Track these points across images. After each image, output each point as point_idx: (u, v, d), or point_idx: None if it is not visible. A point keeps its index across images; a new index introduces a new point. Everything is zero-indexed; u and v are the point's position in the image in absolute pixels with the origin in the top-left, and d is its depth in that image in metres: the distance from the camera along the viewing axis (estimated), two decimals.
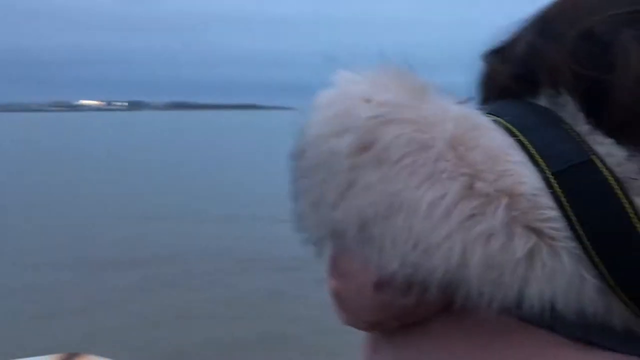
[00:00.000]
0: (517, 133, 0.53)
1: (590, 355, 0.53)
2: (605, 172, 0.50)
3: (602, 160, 0.50)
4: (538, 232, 0.50)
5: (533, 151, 0.52)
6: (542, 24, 0.59)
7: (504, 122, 0.54)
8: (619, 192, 0.50)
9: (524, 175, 0.50)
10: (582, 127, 0.53)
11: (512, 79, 0.59)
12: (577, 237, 0.49)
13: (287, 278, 8.65)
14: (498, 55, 0.61)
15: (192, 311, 7.70)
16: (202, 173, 22.25)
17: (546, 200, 0.50)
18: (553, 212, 0.50)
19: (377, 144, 0.52)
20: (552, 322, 0.52)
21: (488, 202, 0.50)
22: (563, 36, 0.56)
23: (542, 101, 0.55)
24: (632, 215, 0.49)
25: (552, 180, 0.50)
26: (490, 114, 0.56)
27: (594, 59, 0.54)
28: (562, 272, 0.50)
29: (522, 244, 0.49)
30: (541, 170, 0.50)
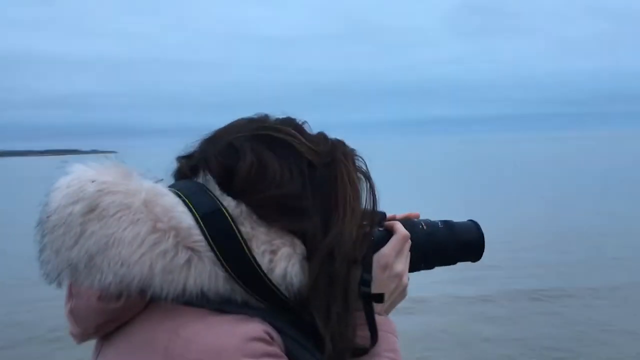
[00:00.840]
0: (182, 195, 0.88)
1: (220, 317, 0.85)
2: (227, 215, 0.87)
3: (226, 209, 0.87)
4: (192, 249, 0.84)
5: (190, 205, 0.87)
6: (211, 138, 0.97)
7: (176, 190, 0.90)
8: (232, 225, 0.86)
9: (184, 218, 0.85)
10: (217, 192, 0.90)
11: (189, 169, 0.94)
12: (213, 250, 0.85)
13: None
14: (186, 158, 0.97)
15: None
16: None
17: (196, 231, 0.85)
18: (200, 237, 0.85)
19: (99, 207, 0.83)
20: (202, 301, 0.85)
21: (164, 234, 0.83)
22: (217, 144, 0.93)
23: (200, 179, 0.92)
24: (239, 237, 0.86)
25: (199, 220, 0.86)
26: (170, 186, 0.91)
27: (229, 156, 0.91)
28: (205, 271, 0.85)
29: (183, 256, 0.84)
30: (194, 215, 0.86)
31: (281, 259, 0.88)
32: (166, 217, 0.85)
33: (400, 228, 1.09)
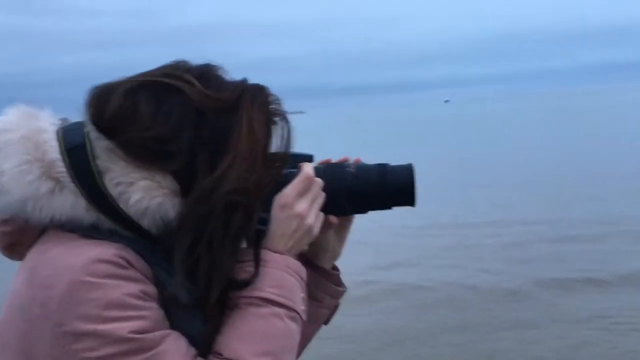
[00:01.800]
0: (60, 132, 0.98)
1: (83, 241, 0.94)
2: (87, 150, 0.95)
3: (90, 145, 0.96)
4: (56, 180, 0.94)
5: (61, 140, 0.96)
6: (115, 83, 1.02)
7: (58, 129, 0.99)
8: (89, 158, 0.94)
9: (51, 152, 0.95)
10: (90, 129, 0.97)
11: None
12: (73, 181, 0.94)
13: None
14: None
15: None
16: None
17: (60, 163, 0.94)
18: (63, 169, 0.94)
19: None
20: (74, 228, 0.95)
21: (31, 165, 0.94)
22: (112, 89, 1.00)
23: (87, 126, 0.99)
24: (93, 169, 0.94)
25: (64, 153, 0.95)
26: (64, 125, 1.01)
27: (104, 99, 0.98)
28: (69, 200, 0.94)
29: (47, 185, 0.94)
30: (60, 147, 0.96)
31: (136, 191, 0.94)
32: (38, 151, 0.95)
33: (305, 168, 1.09)
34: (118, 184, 0.95)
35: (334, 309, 1.25)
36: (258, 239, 1.05)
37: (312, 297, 1.17)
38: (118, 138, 0.96)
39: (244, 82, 1.06)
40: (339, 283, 1.25)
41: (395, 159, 1.22)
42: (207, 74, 1.03)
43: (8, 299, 0.97)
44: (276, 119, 1.06)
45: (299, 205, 1.07)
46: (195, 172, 0.98)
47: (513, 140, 33.19)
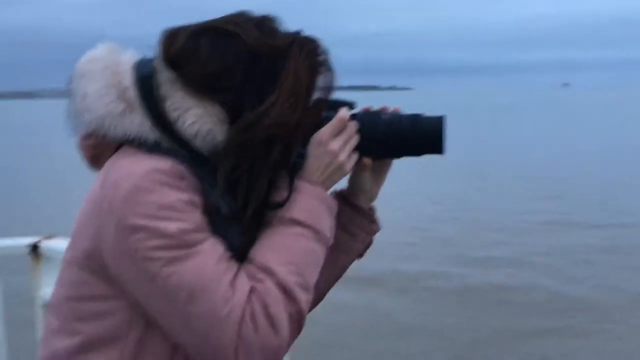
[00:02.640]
0: (134, 65, 1.17)
1: (147, 155, 1.11)
2: (155, 79, 1.13)
3: (157, 76, 1.14)
4: (128, 102, 1.13)
5: (134, 70, 1.16)
6: (187, 25, 1.20)
7: (134, 63, 1.18)
8: (154, 86, 1.13)
9: (126, 79, 1.14)
10: (157, 63, 1.15)
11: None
12: (140, 104, 1.13)
13: None
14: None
15: None
16: None
17: (133, 88, 1.13)
18: (134, 94, 1.12)
19: (83, 71, 1.17)
20: (139, 144, 1.13)
21: (109, 89, 1.13)
22: (181, 30, 1.17)
23: (156, 60, 1.17)
24: (155, 95, 1.13)
25: (135, 81, 1.13)
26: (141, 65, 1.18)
27: (172, 39, 1.16)
28: (137, 120, 1.12)
29: (120, 106, 1.12)
30: (133, 76, 1.14)
31: (190, 116, 1.11)
32: (115, 78, 1.15)
33: (341, 113, 1.22)
34: (176, 109, 1.12)
35: (367, 244, 1.39)
36: (294, 169, 1.19)
37: (347, 231, 1.34)
38: (179, 71, 1.13)
39: (297, 33, 1.20)
40: (374, 221, 1.38)
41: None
42: (264, 23, 1.18)
43: (87, 196, 1.17)
44: (321, 68, 1.19)
45: (333, 143, 1.20)
46: (244, 106, 1.13)
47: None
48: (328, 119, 1.22)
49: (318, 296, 1.31)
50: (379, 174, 1.35)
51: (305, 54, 1.18)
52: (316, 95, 1.20)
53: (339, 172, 1.23)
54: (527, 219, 11.53)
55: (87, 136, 1.20)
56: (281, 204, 1.16)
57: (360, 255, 1.40)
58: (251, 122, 1.13)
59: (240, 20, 1.18)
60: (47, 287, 2.31)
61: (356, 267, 1.45)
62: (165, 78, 1.14)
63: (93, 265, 1.13)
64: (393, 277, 8.15)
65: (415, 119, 1.26)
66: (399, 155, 1.29)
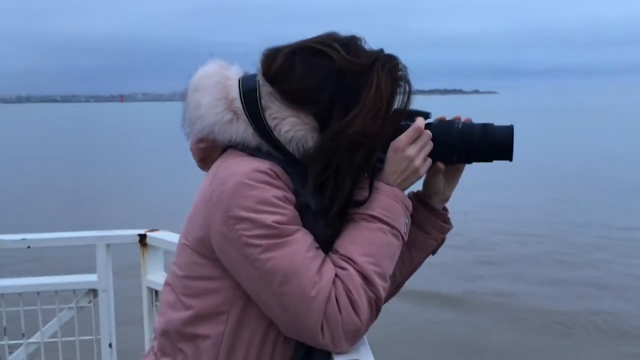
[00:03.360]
0: (240, 80, 1.34)
1: (249, 157, 1.28)
2: (257, 92, 1.31)
3: (259, 89, 1.31)
4: (235, 112, 1.31)
5: (240, 85, 1.33)
6: (283, 46, 1.37)
7: (240, 78, 1.35)
8: (257, 98, 1.30)
9: (234, 92, 1.32)
10: (260, 78, 1.32)
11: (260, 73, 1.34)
12: (245, 114, 1.30)
13: None
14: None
15: None
16: None
17: (238, 101, 1.31)
18: (239, 105, 1.31)
19: (198, 85, 1.36)
20: (243, 148, 1.31)
21: (219, 101, 1.32)
22: (280, 49, 1.34)
23: (258, 76, 1.34)
24: (259, 106, 1.30)
25: (241, 94, 1.31)
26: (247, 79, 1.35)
27: (272, 57, 1.33)
28: (242, 127, 1.30)
29: (228, 116, 1.31)
30: (239, 90, 1.32)
31: (286, 124, 1.28)
32: (224, 92, 1.33)
33: (417, 122, 1.36)
34: (274, 118, 1.29)
35: (440, 242, 1.51)
36: (374, 172, 1.34)
37: (422, 229, 1.48)
38: (277, 86, 1.30)
39: (379, 51, 1.36)
40: (446, 221, 1.50)
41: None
42: (350, 43, 1.34)
43: (199, 191, 1.36)
44: (401, 82, 1.34)
45: (409, 150, 1.34)
46: (332, 116, 1.29)
47: None
48: (406, 127, 1.35)
49: (395, 287, 1.48)
50: (452, 177, 1.46)
51: (387, 70, 1.32)
52: (395, 106, 1.34)
53: (414, 175, 1.36)
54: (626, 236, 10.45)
55: (199, 140, 1.38)
56: (362, 202, 1.31)
57: (434, 252, 1.53)
58: (338, 131, 1.27)
59: (329, 40, 1.33)
60: (151, 272, 2.69)
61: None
62: (266, 92, 1.31)
63: (203, 250, 1.30)
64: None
65: (486, 128, 1.36)
66: (469, 161, 1.41)
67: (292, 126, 1.29)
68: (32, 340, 2.75)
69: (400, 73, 1.35)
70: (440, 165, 1.40)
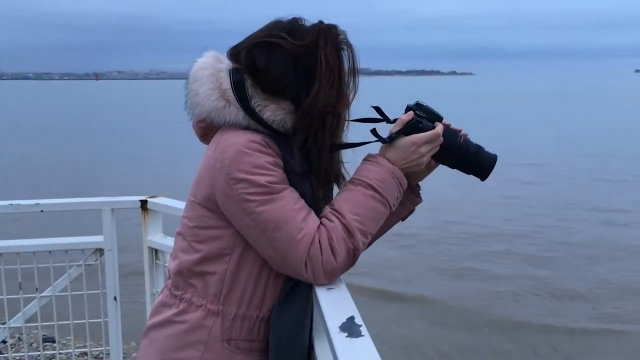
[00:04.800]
0: (230, 72, 1.53)
1: (244, 131, 1.50)
2: (244, 84, 1.51)
3: (245, 82, 1.52)
4: (227, 100, 1.51)
5: (231, 77, 1.52)
6: (246, 39, 1.57)
7: (230, 69, 1.54)
8: (246, 89, 1.52)
9: (226, 83, 1.52)
10: (245, 72, 1.52)
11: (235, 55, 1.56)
12: (237, 100, 1.51)
13: None
14: (234, 47, 1.58)
15: None
16: None
17: (230, 90, 1.51)
18: (231, 94, 1.51)
19: (195, 76, 1.56)
20: (236, 126, 1.51)
21: (214, 90, 1.52)
22: (244, 45, 1.56)
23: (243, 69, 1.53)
24: (247, 95, 1.51)
25: (232, 84, 1.51)
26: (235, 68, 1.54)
27: (239, 55, 1.55)
28: (234, 111, 1.52)
29: (222, 103, 1.52)
30: (230, 81, 1.52)
31: (267, 110, 1.50)
32: (218, 82, 1.52)
33: (438, 128, 1.58)
34: (258, 105, 1.50)
35: (410, 212, 1.74)
36: (379, 137, 1.59)
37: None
38: (254, 80, 1.51)
39: (319, 25, 1.56)
40: (418, 195, 1.73)
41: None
42: (294, 27, 1.54)
43: (204, 158, 1.56)
44: (344, 46, 1.55)
45: (423, 148, 1.56)
46: (300, 96, 1.51)
47: None
48: (427, 127, 1.57)
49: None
50: (432, 167, 1.67)
51: (330, 42, 1.53)
52: (345, 69, 1.55)
53: (417, 167, 1.59)
54: None
55: (200, 121, 1.59)
56: (349, 145, 1.59)
57: (404, 219, 1.75)
58: (307, 108, 1.49)
59: (276, 31, 1.53)
60: (152, 233, 3.01)
61: None
62: (249, 83, 1.52)
63: (210, 205, 1.53)
64: None
65: (479, 150, 1.62)
66: (454, 167, 1.65)
67: (272, 112, 1.50)
68: (44, 294, 3.05)
69: (341, 38, 1.56)
70: (433, 161, 1.64)
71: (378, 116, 1.62)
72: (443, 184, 7.29)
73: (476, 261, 8.81)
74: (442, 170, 1.68)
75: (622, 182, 14.59)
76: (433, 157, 1.62)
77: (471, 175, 1.66)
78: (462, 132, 1.64)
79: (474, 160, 1.62)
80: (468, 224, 10.71)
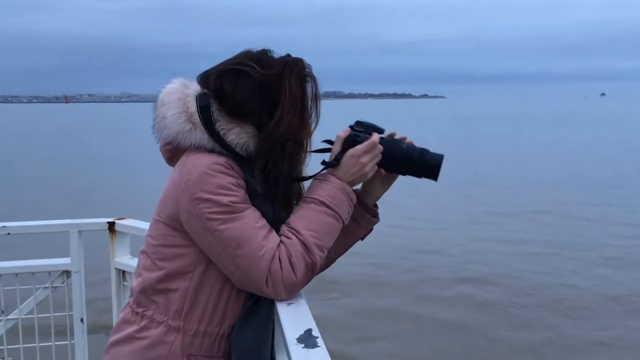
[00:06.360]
0: (197, 97, 1.60)
1: (208, 154, 1.56)
2: (210, 108, 1.59)
3: (211, 106, 1.59)
4: (194, 123, 1.59)
5: (197, 101, 1.60)
6: (216, 66, 1.65)
7: (196, 95, 1.61)
8: (211, 113, 1.58)
9: (193, 107, 1.59)
10: (210, 96, 1.60)
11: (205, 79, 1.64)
12: (202, 124, 1.58)
13: None
14: (204, 73, 1.66)
15: None
16: None
17: (196, 114, 1.58)
18: (197, 118, 1.59)
19: (163, 101, 1.63)
20: (202, 148, 1.58)
21: (181, 114, 1.60)
22: (213, 72, 1.63)
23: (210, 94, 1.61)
24: (212, 119, 1.58)
25: (198, 109, 1.59)
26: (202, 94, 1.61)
27: (208, 80, 1.62)
28: (199, 134, 1.58)
29: (188, 126, 1.59)
30: (196, 105, 1.59)
31: (231, 133, 1.57)
32: (185, 106, 1.59)
33: (374, 137, 1.65)
34: (222, 128, 1.57)
35: (368, 231, 1.81)
36: (326, 165, 1.66)
37: (355, 220, 1.74)
38: (219, 104, 1.58)
39: (287, 57, 1.65)
40: (375, 215, 1.80)
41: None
42: (262, 57, 1.63)
43: (169, 179, 1.62)
44: (308, 79, 1.64)
45: (364, 158, 1.63)
46: (262, 122, 1.58)
47: None
48: (364, 138, 1.64)
49: (329, 262, 1.76)
50: (387, 183, 1.76)
51: (295, 73, 1.61)
52: (309, 99, 1.63)
53: (362, 177, 1.66)
54: None
55: (167, 144, 1.65)
56: (304, 178, 1.66)
57: (363, 238, 1.81)
58: (269, 134, 1.57)
59: (246, 60, 1.61)
60: (119, 255, 3.03)
61: None
62: (215, 107, 1.59)
63: (174, 224, 1.59)
64: None
65: (424, 152, 1.66)
66: (405, 174, 1.70)
67: (236, 135, 1.57)
68: (10, 317, 3.04)
69: (306, 71, 1.64)
70: (381, 171, 1.70)
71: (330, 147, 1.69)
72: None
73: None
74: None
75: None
76: (382, 167, 1.69)
77: (423, 179, 1.69)
78: (406, 140, 1.70)
79: (420, 163, 1.66)
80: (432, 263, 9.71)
